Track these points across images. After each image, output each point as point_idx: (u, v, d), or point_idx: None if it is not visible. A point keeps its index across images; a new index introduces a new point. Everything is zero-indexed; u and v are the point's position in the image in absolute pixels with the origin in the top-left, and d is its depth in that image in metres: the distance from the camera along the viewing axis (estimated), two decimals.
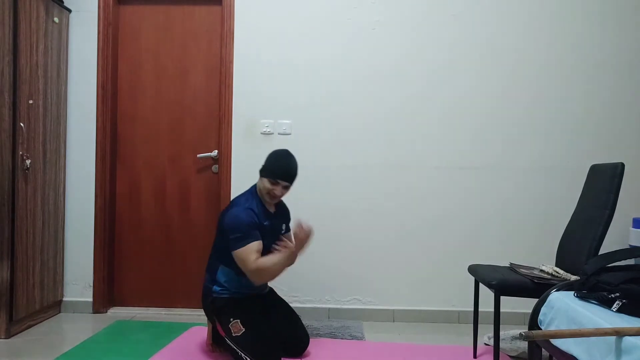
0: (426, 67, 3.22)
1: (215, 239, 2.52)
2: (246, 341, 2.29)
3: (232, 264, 2.40)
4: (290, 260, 2.37)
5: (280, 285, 3.14)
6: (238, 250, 2.30)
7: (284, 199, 2.62)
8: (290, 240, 2.50)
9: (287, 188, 2.49)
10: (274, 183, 2.43)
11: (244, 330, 2.31)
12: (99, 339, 2.78)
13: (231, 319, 2.35)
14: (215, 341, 2.55)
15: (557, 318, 1.82)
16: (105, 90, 3.27)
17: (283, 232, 2.62)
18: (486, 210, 3.21)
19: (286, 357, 2.43)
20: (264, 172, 2.47)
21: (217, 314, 2.43)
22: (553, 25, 3.20)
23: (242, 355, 2.27)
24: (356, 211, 3.24)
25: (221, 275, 2.46)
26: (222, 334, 2.39)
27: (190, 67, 3.35)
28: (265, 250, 2.40)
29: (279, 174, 2.43)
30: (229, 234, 2.34)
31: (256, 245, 2.32)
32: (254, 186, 2.54)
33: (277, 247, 2.41)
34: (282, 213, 2.65)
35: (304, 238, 2.33)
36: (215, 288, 2.46)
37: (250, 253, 2.29)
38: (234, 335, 2.32)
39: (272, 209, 2.54)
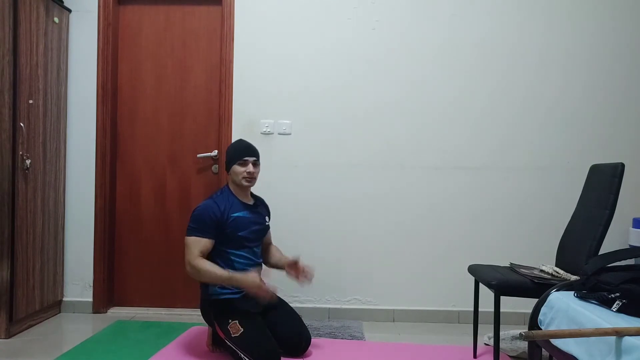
0: (426, 66, 3.22)
1: None
2: (245, 342, 2.29)
3: (222, 259, 2.48)
4: (228, 284, 2.40)
5: (280, 285, 3.12)
6: (189, 237, 2.43)
7: (261, 194, 2.75)
8: (269, 235, 2.75)
9: (256, 164, 2.59)
10: (243, 163, 2.54)
11: (242, 330, 2.31)
12: (99, 339, 2.78)
13: (229, 320, 2.35)
14: (216, 341, 2.55)
15: (557, 318, 1.82)
16: (105, 90, 3.27)
17: (267, 223, 2.71)
18: (486, 210, 3.21)
19: (286, 357, 2.42)
20: (230, 162, 2.56)
21: (215, 315, 2.43)
22: (548, 23, 3.19)
23: (242, 356, 2.27)
24: (356, 211, 3.24)
25: None
26: (222, 335, 2.39)
27: (190, 67, 3.35)
28: (248, 241, 2.52)
29: (243, 153, 2.55)
30: (190, 220, 2.46)
31: (204, 242, 2.42)
32: (226, 185, 2.63)
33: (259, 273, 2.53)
34: (262, 205, 2.75)
35: (260, 288, 2.36)
36: (212, 289, 2.47)
37: (196, 246, 2.40)
38: (233, 336, 2.32)
39: (250, 201, 2.63)
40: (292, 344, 2.48)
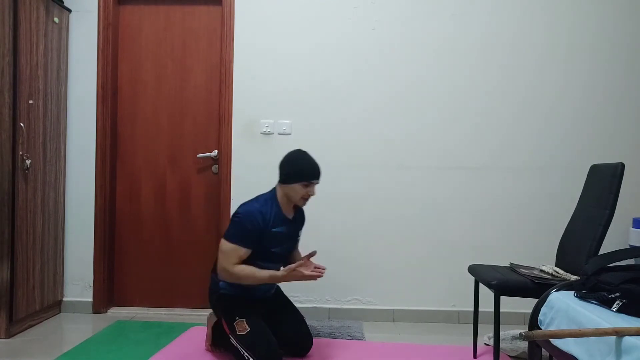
0: (426, 66, 3.22)
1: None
2: (250, 341, 2.28)
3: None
4: (270, 282, 2.37)
5: (281, 285, 3.14)
6: (227, 242, 2.33)
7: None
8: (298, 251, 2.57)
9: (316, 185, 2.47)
10: (307, 185, 2.39)
11: (249, 329, 2.30)
12: (99, 339, 2.78)
13: (237, 318, 2.34)
14: (215, 341, 2.55)
15: (557, 318, 1.82)
16: (105, 90, 3.27)
17: (299, 237, 2.61)
18: (486, 210, 3.21)
19: (288, 358, 2.42)
20: (292, 178, 2.38)
21: (222, 311, 2.42)
22: (548, 23, 3.20)
23: (245, 354, 2.26)
24: (356, 211, 3.24)
25: None
26: (227, 331, 2.38)
27: (190, 67, 3.35)
28: (278, 256, 2.40)
29: (311, 175, 2.39)
30: (230, 223, 2.37)
31: (243, 251, 2.32)
32: (274, 191, 2.48)
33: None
34: (300, 219, 2.61)
35: (306, 276, 2.30)
36: (222, 284, 2.44)
37: (233, 255, 2.31)
38: (238, 333, 2.31)
39: (290, 215, 2.49)
40: (294, 344, 2.48)
